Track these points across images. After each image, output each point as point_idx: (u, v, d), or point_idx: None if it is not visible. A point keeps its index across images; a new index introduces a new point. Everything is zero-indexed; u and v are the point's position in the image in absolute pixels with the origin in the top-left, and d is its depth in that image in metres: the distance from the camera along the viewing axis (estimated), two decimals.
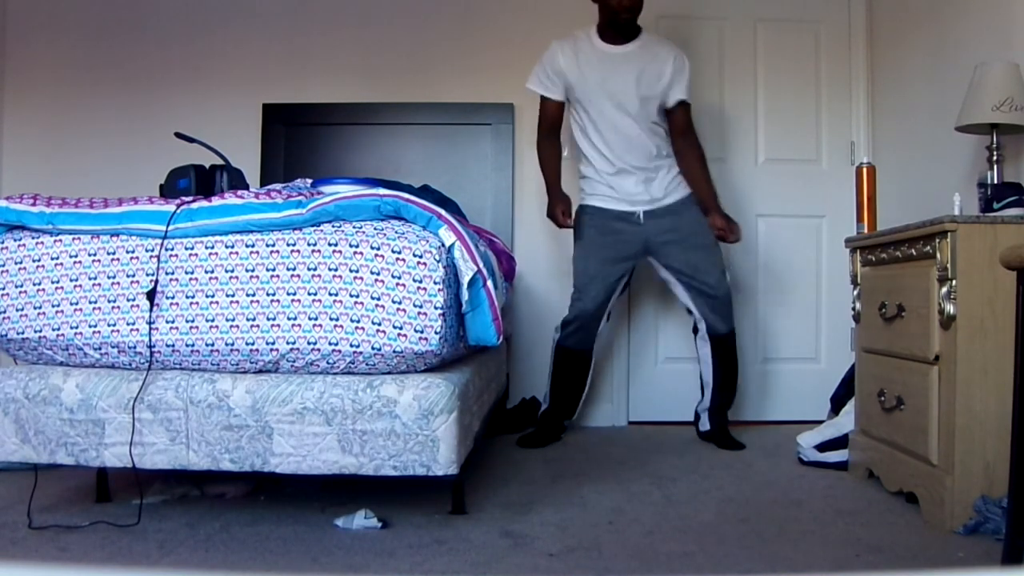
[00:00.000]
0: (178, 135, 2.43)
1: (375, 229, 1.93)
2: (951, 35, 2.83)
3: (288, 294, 1.92)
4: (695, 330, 3.14)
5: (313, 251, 1.93)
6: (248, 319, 1.93)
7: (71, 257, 2.00)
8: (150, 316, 1.95)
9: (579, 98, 3.02)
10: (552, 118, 3.10)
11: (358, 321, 1.89)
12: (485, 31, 3.62)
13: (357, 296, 1.90)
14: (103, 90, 3.61)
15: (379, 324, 1.89)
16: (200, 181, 2.32)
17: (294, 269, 1.93)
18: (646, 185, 3.03)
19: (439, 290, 1.90)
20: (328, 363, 1.95)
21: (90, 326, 1.98)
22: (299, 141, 3.56)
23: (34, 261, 2.01)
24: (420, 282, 1.89)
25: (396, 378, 1.94)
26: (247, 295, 1.94)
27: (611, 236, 3.04)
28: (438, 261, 1.90)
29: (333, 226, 1.95)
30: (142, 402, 1.94)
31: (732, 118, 3.62)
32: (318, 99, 3.57)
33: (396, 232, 1.92)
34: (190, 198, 2.05)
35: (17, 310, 2.01)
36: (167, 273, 1.97)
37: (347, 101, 3.57)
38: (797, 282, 3.60)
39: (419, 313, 1.88)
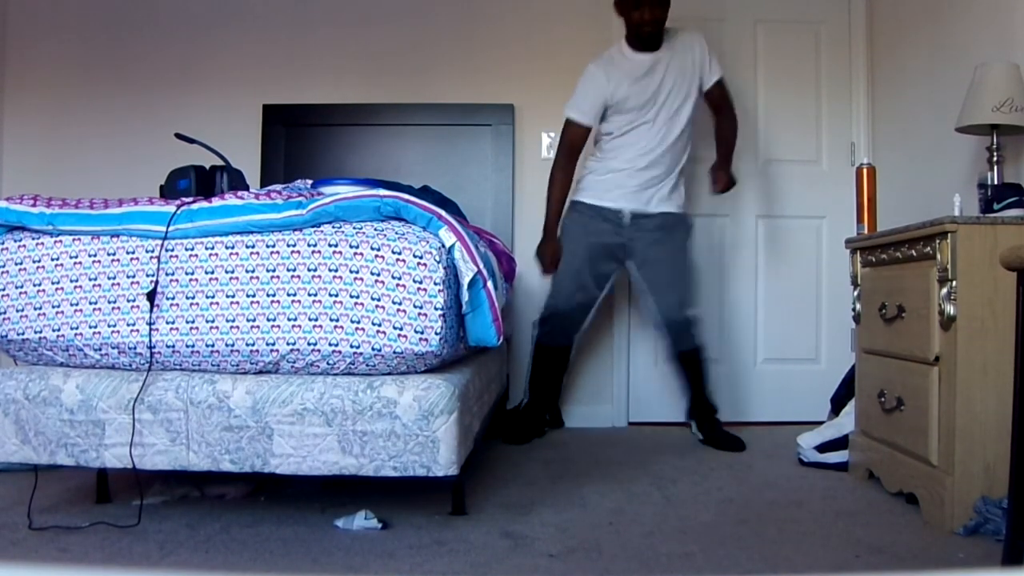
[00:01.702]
0: (178, 136, 2.43)
1: (375, 230, 1.93)
2: (951, 35, 2.83)
3: (288, 295, 1.92)
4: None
5: (313, 252, 1.93)
6: (248, 320, 1.93)
7: (71, 258, 2.00)
8: (150, 317, 1.95)
9: (624, 110, 3.03)
10: (578, 143, 3.10)
11: (358, 322, 1.89)
12: (485, 32, 3.62)
13: (357, 297, 1.90)
14: (103, 90, 3.61)
15: (379, 325, 1.89)
16: (200, 182, 2.32)
17: (294, 270, 1.93)
18: (642, 191, 3.07)
19: (439, 291, 1.90)
20: (328, 364, 1.95)
21: (90, 327, 1.98)
22: (299, 142, 3.56)
23: (34, 262, 2.01)
24: (420, 283, 1.89)
25: (396, 379, 1.94)
26: (247, 296, 1.94)
27: (593, 237, 3.09)
28: (438, 262, 1.90)
29: (333, 227, 1.95)
30: (142, 403, 1.94)
31: None
32: (318, 100, 3.57)
33: (396, 233, 1.92)
34: (190, 199, 2.05)
35: (17, 311, 2.01)
36: (167, 274, 1.97)
37: (347, 102, 3.57)
38: (797, 282, 3.60)
39: (419, 314, 1.89)
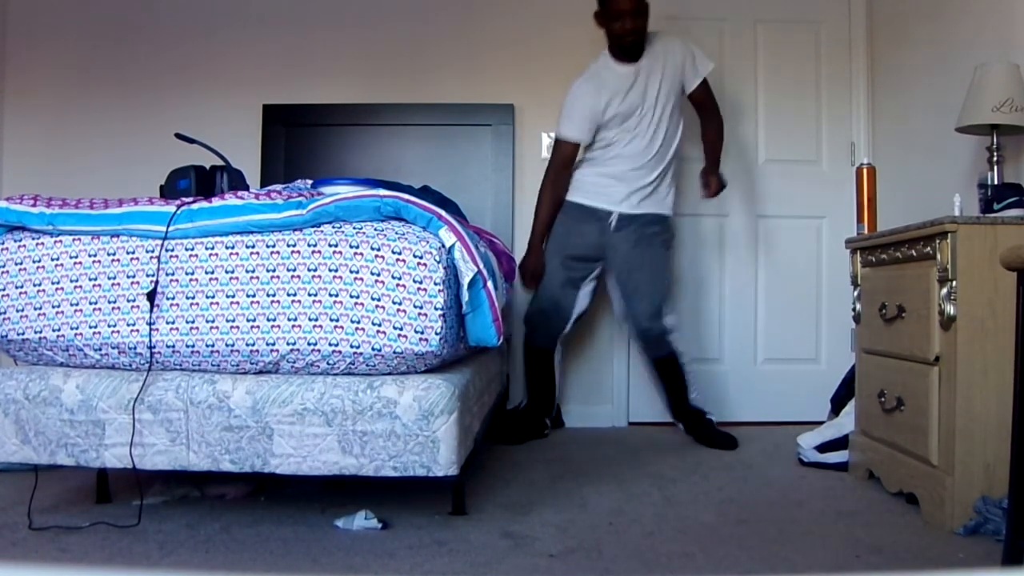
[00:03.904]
0: (178, 136, 2.43)
1: (375, 230, 1.93)
2: (951, 35, 2.83)
3: (288, 295, 1.92)
4: None
5: (313, 252, 1.93)
6: (248, 320, 1.93)
7: (71, 258, 2.00)
8: (150, 317, 1.95)
9: (618, 124, 3.04)
10: (570, 159, 3.11)
11: (358, 322, 1.89)
12: (485, 32, 3.62)
13: (357, 297, 1.90)
14: (103, 90, 3.61)
15: (379, 325, 1.89)
16: (200, 182, 2.32)
17: (294, 270, 1.93)
18: (631, 196, 3.08)
19: (439, 291, 1.90)
20: (328, 364, 1.95)
21: (90, 327, 1.98)
22: (299, 142, 3.56)
23: (34, 262, 2.01)
24: (420, 283, 1.89)
25: (396, 379, 1.94)
26: (247, 296, 1.94)
27: (576, 237, 3.11)
28: (438, 262, 1.90)
29: (333, 227, 1.95)
30: (142, 403, 1.94)
31: (732, 118, 3.61)
32: (318, 100, 3.57)
33: (396, 233, 1.92)
34: (190, 199, 2.05)
35: (17, 311, 2.01)
36: (167, 274, 1.97)
37: (347, 102, 3.57)
38: (797, 282, 3.60)
39: (419, 314, 1.89)
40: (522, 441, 3.10)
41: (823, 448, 2.66)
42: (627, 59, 3.05)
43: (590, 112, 3.03)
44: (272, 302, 1.93)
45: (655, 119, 3.04)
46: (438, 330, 1.90)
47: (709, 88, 3.16)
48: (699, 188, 3.15)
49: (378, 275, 1.90)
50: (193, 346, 1.95)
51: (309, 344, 1.92)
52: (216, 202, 2.00)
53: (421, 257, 1.90)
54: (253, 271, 1.94)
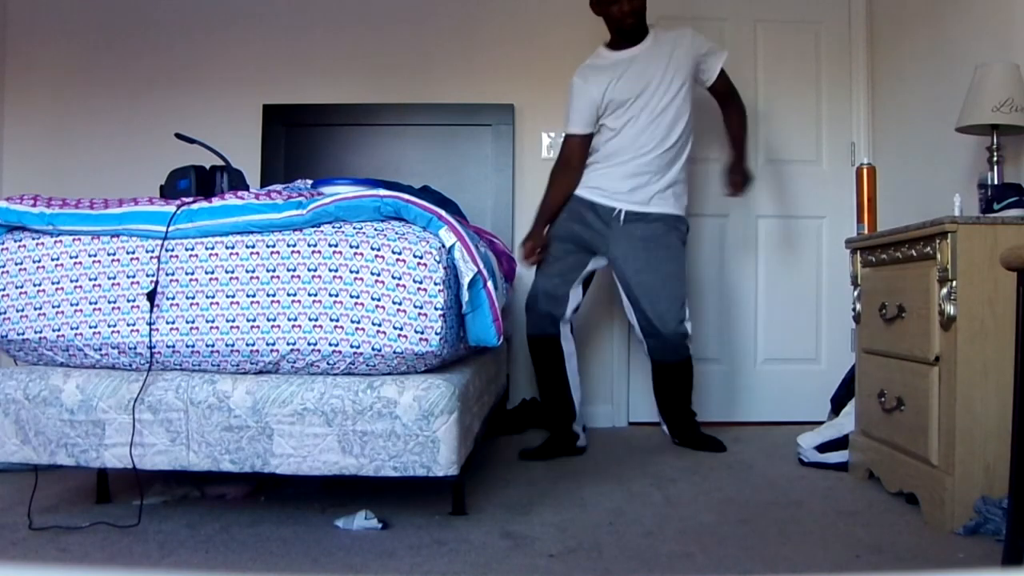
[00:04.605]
0: (178, 136, 2.44)
1: (375, 230, 1.93)
2: (951, 35, 2.83)
3: (288, 295, 1.92)
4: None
5: (313, 252, 1.93)
6: (248, 320, 1.93)
7: (71, 258, 2.00)
8: (150, 317, 1.96)
9: (614, 110, 2.97)
10: (576, 152, 3.01)
11: (358, 322, 1.89)
12: (485, 31, 3.62)
13: (357, 297, 1.90)
14: (104, 90, 3.62)
15: (379, 325, 1.89)
16: (200, 182, 2.33)
17: (294, 270, 1.93)
18: (637, 191, 2.97)
19: (439, 291, 1.90)
20: (328, 364, 1.95)
21: (90, 327, 1.98)
22: (299, 142, 3.57)
23: (34, 262, 2.01)
24: (420, 283, 1.89)
25: (396, 379, 1.94)
26: (247, 296, 1.94)
27: (579, 224, 2.98)
28: (438, 262, 1.90)
29: (333, 227, 1.95)
30: (142, 403, 1.94)
31: None
32: (319, 100, 3.57)
33: (396, 233, 1.92)
34: (190, 199, 2.06)
35: (17, 311, 2.01)
36: (167, 274, 1.97)
37: (347, 102, 3.57)
38: (797, 282, 3.60)
39: (419, 314, 1.89)
40: (553, 456, 2.86)
41: (823, 448, 2.66)
42: (626, 44, 2.99)
43: (587, 101, 2.96)
44: (272, 302, 1.93)
45: (653, 110, 2.94)
46: (438, 330, 1.90)
47: (727, 76, 3.08)
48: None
49: (378, 275, 1.90)
50: (193, 346, 1.95)
51: (309, 344, 1.92)
52: (216, 202, 2.00)
53: (421, 257, 1.90)
54: (253, 271, 1.94)
